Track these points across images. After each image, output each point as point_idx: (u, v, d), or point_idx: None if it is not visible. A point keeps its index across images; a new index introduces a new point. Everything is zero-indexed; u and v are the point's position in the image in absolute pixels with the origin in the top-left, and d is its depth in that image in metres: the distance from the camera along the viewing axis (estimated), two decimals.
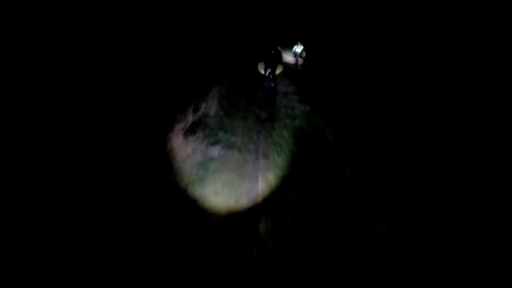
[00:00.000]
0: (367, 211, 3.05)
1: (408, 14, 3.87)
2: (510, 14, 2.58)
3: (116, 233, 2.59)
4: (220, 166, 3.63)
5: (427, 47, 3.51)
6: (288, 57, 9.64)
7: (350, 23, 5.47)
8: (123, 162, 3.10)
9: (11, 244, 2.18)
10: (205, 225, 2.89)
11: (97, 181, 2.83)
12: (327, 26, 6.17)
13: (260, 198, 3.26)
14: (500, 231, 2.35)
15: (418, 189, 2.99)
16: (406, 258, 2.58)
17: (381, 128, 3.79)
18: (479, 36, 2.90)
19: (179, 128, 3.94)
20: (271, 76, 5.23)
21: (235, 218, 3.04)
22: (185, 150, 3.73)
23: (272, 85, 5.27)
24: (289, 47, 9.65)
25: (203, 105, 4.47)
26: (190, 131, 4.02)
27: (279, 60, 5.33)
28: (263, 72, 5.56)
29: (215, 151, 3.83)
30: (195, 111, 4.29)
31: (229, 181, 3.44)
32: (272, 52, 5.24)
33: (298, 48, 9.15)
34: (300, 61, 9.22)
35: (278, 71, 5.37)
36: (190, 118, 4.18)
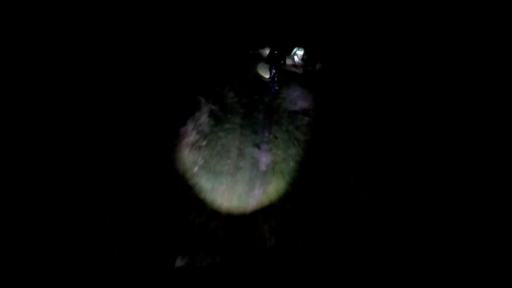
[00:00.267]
0: (367, 211, 3.05)
1: (408, 15, 3.87)
2: (510, 14, 2.58)
3: (116, 233, 2.59)
4: (220, 166, 3.62)
5: (427, 48, 3.51)
6: (289, 59, 9.60)
7: (350, 24, 5.47)
8: (123, 162, 3.10)
9: (12, 244, 2.18)
10: (205, 225, 2.89)
11: (97, 181, 2.83)
12: (328, 28, 6.17)
13: (260, 198, 3.26)
14: (500, 231, 2.35)
15: (418, 189, 2.99)
16: (405, 258, 2.58)
17: (381, 128, 3.78)
18: (479, 36, 2.90)
19: (179, 129, 3.94)
20: (275, 78, 5.21)
21: (235, 218, 3.04)
22: (185, 150, 3.73)
23: (277, 88, 5.24)
24: (290, 48, 9.61)
25: (203, 106, 4.47)
26: (190, 132, 4.02)
27: (282, 61, 5.31)
28: (264, 73, 5.52)
29: (215, 152, 3.82)
30: (195, 112, 4.29)
31: (229, 181, 3.44)
32: (276, 53, 5.21)
33: (299, 50, 9.13)
34: (301, 63, 9.19)
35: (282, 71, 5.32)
36: (190, 119, 4.17)
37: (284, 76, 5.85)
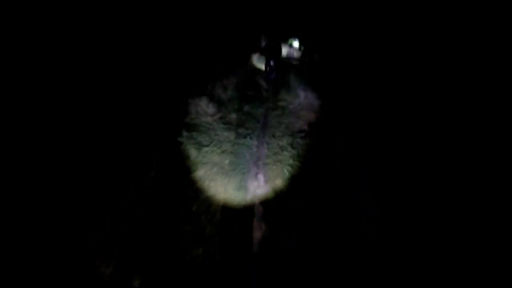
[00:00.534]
0: (367, 211, 3.05)
1: (408, 16, 3.87)
2: (510, 14, 2.58)
3: (116, 233, 2.59)
4: (221, 166, 3.62)
5: (426, 48, 3.51)
6: (284, 50, 9.57)
7: (350, 23, 5.46)
8: (123, 162, 3.10)
9: (12, 244, 2.18)
10: (205, 225, 2.89)
11: (97, 181, 2.83)
12: (325, 23, 6.15)
13: (260, 198, 3.26)
14: (500, 231, 2.35)
15: (418, 189, 2.99)
16: (405, 258, 2.59)
17: (381, 128, 3.79)
18: (479, 36, 2.90)
19: (179, 128, 3.94)
20: (273, 68, 5.23)
21: (235, 218, 3.04)
22: (185, 150, 3.73)
23: (274, 76, 5.28)
24: (285, 40, 9.59)
25: (203, 104, 4.47)
26: (190, 131, 4.02)
27: (279, 52, 5.34)
28: (259, 65, 5.55)
29: (215, 150, 3.82)
30: (195, 110, 4.29)
31: (229, 182, 3.44)
32: (273, 44, 5.24)
33: (295, 42, 9.13)
34: (297, 54, 9.14)
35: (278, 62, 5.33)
36: (190, 117, 4.18)
37: (281, 67, 5.83)
